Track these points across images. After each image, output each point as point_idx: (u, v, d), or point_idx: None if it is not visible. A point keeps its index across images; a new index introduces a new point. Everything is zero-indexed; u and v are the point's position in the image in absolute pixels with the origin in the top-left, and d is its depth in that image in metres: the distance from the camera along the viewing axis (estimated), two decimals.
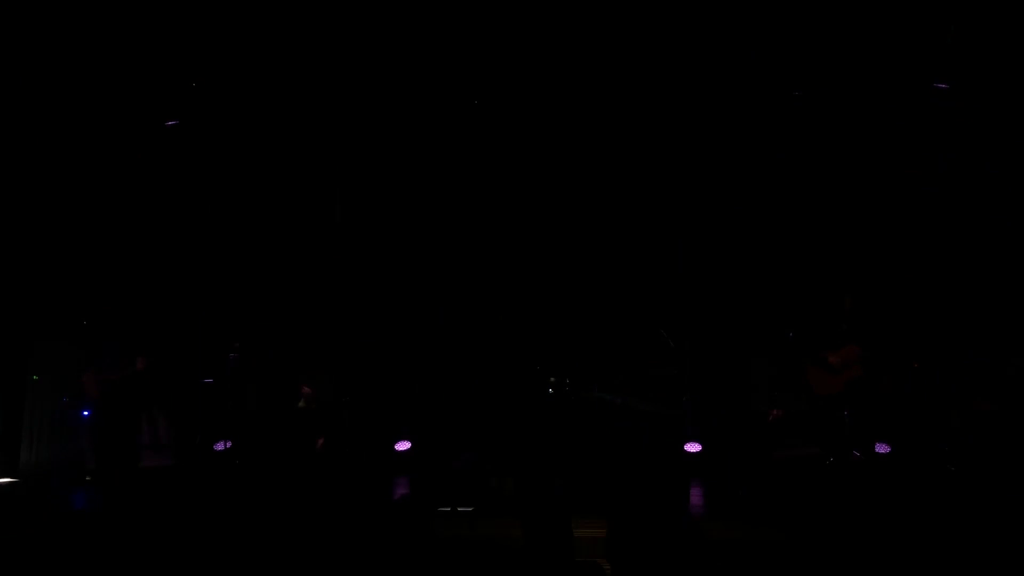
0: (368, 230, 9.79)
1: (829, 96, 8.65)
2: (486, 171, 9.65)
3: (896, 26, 7.86)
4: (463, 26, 8.24)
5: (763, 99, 8.77)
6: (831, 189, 9.21)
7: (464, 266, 9.72)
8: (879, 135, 8.88)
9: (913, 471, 8.40)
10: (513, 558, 5.75)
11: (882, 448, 8.60)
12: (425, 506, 7.34)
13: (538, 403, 9.56)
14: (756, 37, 8.12)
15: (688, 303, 9.44)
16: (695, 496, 8.28)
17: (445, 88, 9.11)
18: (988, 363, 8.50)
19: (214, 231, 9.60)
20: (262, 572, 5.64)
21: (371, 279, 9.77)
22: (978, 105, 8.37)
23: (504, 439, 9.43)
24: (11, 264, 9.16)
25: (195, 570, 5.69)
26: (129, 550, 6.05)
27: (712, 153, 9.31)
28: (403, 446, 9.54)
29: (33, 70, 8.37)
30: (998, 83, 8.18)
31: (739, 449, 9.20)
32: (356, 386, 9.80)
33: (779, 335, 8.73)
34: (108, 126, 9.07)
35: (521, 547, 5.37)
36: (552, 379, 9.65)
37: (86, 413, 9.06)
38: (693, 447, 9.20)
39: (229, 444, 9.04)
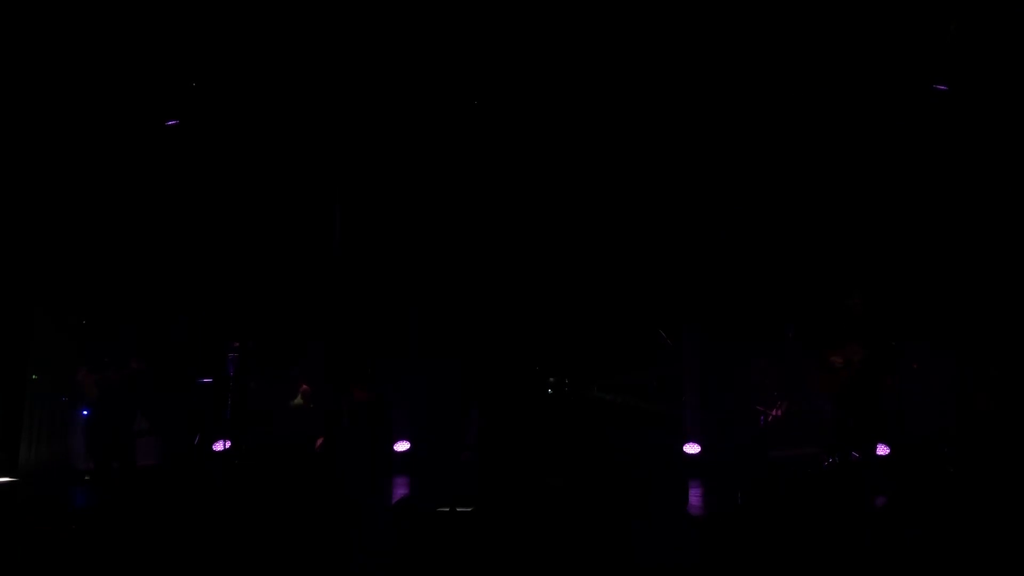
0: (368, 227, 9.78)
1: (828, 92, 8.67)
2: (485, 171, 9.65)
3: (898, 22, 7.90)
4: (462, 27, 8.26)
5: (766, 94, 8.78)
6: (836, 185, 9.19)
7: (463, 266, 9.73)
8: (882, 132, 8.88)
9: (912, 472, 8.41)
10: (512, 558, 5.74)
11: (881, 449, 8.60)
12: (424, 506, 7.34)
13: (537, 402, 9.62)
14: (757, 31, 8.14)
15: (688, 303, 9.44)
16: (694, 496, 8.30)
17: (445, 89, 9.14)
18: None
19: (214, 230, 9.60)
20: (261, 572, 5.64)
21: (372, 278, 9.77)
22: (977, 103, 8.39)
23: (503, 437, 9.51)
24: (10, 263, 9.16)
25: (194, 570, 5.69)
26: (128, 550, 6.04)
27: (712, 150, 9.30)
28: (402, 447, 9.54)
29: (33, 69, 8.38)
30: (997, 81, 8.20)
31: (738, 450, 9.20)
32: (356, 386, 9.81)
33: (779, 333, 8.73)
34: (109, 125, 9.07)
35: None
36: (551, 379, 9.70)
37: (85, 412, 9.06)
38: (692, 448, 9.20)
39: (228, 444, 9.04)
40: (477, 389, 9.74)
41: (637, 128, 9.31)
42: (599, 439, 9.62)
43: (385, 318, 9.76)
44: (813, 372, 8.23)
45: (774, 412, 9.23)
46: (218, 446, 9.13)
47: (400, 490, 8.72)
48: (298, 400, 9.61)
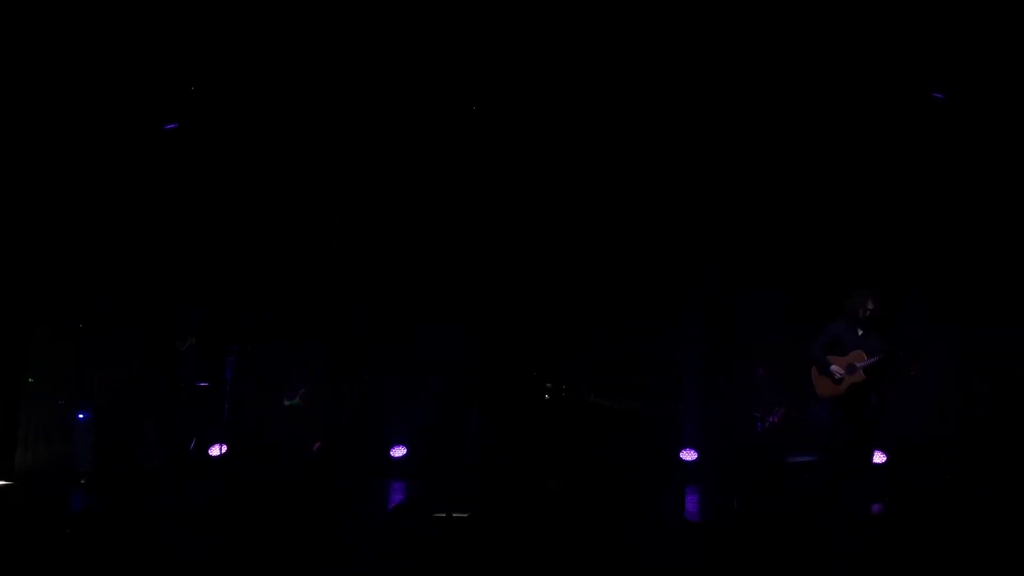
0: (368, 230, 9.79)
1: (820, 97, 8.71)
2: (485, 173, 9.66)
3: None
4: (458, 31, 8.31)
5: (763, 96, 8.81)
6: (838, 187, 9.18)
7: (461, 270, 9.73)
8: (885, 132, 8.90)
9: (910, 478, 8.41)
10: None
11: (878, 456, 8.61)
12: (421, 511, 7.33)
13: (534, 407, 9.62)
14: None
15: (683, 307, 9.44)
16: (690, 502, 8.31)
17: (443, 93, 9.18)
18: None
19: (213, 233, 9.59)
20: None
21: (369, 283, 9.77)
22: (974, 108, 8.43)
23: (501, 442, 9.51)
24: (7, 265, 9.15)
25: (190, 573, 5.68)
26: (123, 554, 6.04)
27: (712, 153, 9.31)
28: (399, 452, 9.53)
29: (27, 73, 8.40)
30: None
31: (735, 456, 9.19)
32: (354, 391, 9.81)
33: (780, 339, 8.71)
34: (108, 128, 9.09)
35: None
36: (549, 383, 9.69)
37: (81, 416, 9.06)
38: (689, 454, 9.20)
39: (225, 448, 9.03)
40: (475, 394, 9.74)
41: (634, 127, 9.33)
42: (596, 444, 9.62)
43: (382, 321, 9.76)
44: (814, 378, 8.20)
45: (771, 418, 9.23)
46: (214, 450, 9.12)
47: (397, 495, 8.72)
48: (295, 401, 9.60)
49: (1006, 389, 8.54)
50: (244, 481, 8.70)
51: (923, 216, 9.05)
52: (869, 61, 8.36)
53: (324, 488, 8.55)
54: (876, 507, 7.79)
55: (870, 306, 7.93)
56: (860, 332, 8.00)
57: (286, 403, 9.64)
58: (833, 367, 7.96)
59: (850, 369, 7.93)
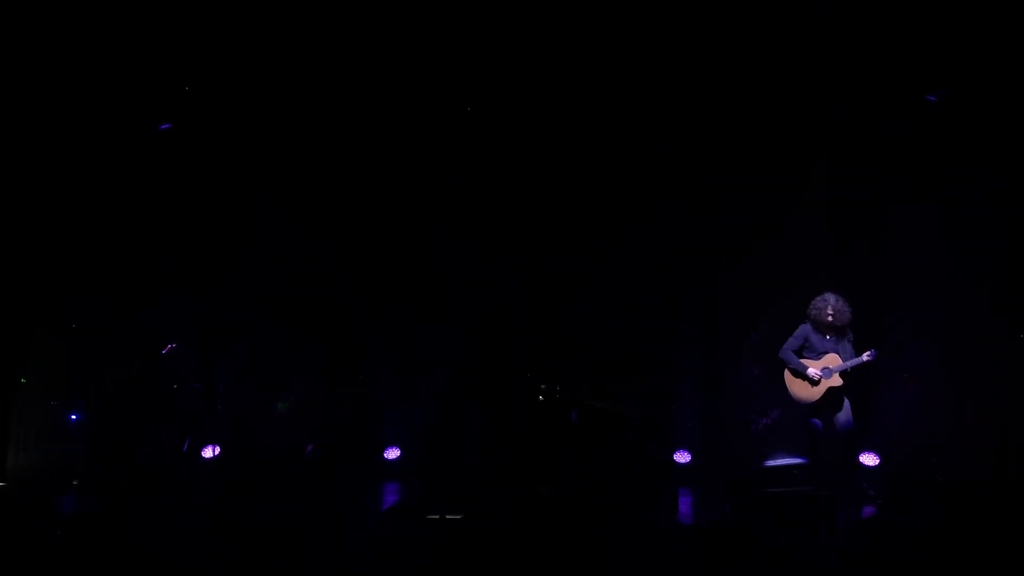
0: (361, 235, 9.78)
1: None
2: (481, 171, 9.67)
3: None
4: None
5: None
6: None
7: (456, 273, 9.73)
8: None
9: (901, 482, 8.42)
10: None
11: (870, 460, 8.62)
12: (414, 513, 7.32)
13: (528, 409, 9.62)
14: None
15: (677, 308, 9.44)
16: (684, 505, 8.31)
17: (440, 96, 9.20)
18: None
19: (207, 233, 9.58)
20: None
21: (364, 284, 9.76)
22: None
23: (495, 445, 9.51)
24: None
25: (178, 572, 5.68)
26: (116, 556, 6.02)
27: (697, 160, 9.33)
28: (393, 454, 9.52)
29: (26, 68, 8.41)
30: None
31: (728, 459, 9.20)
32: (347, 393, 9.81)
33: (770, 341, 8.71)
34: (104, 128, 9.08)
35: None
36: (543, 385, 9.69)
37: (74, 417, 9.05)
38: (683, 456, 9.20)
39: (218, 450, 9.02)
40: (469, 396, 9.74)
41: (630, 131, 9.36)
42: (589, 446, 9.62)
43: (376, 323, 9.76)
44: (788, 381, 8.22)
45: (765, 421, 9.24)
46: (207, 451, 9.11)
47: (391, 496, 8.71)
48: (285, 405, 9.60)
49: (998, 391, 8.54)
50: (237, 483, 8.68)
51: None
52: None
53: (317, 490, 8.54)
54: (868, 510, 7.81)
55: (829, 312, 7.97)
56: (828, 337, 8.05)
57: (279, 406, 9.64)
58: (810, 370, 7.99)
59: (826, 372, 7.96)
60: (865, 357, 7.90)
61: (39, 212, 9.18)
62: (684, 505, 8.35)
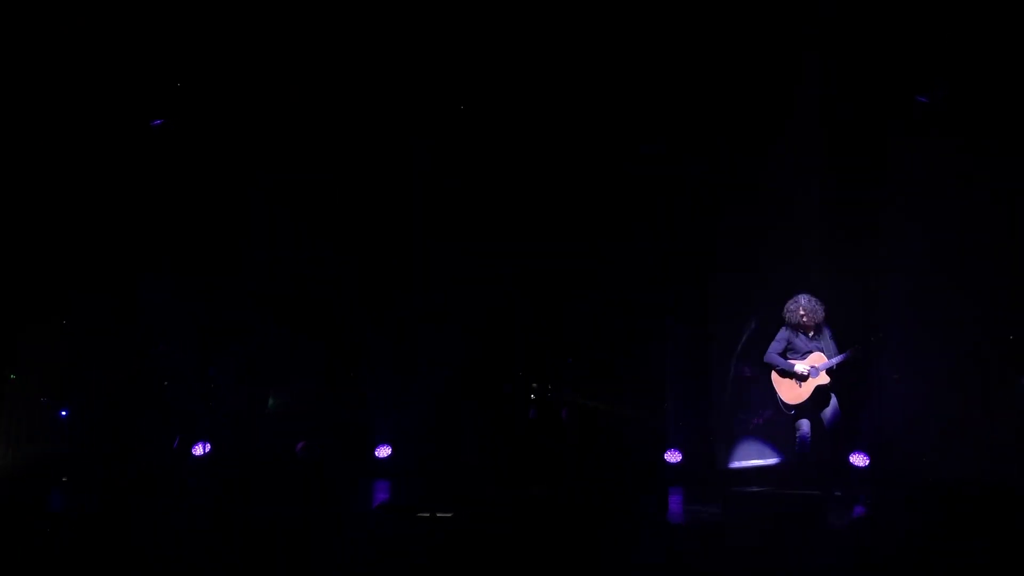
0: (359, 233, 9.77)
1: None
2: (476, 176, 9.67)
3: None
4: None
5: None
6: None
7: (450, 272, 9.73)
8: None
9: (891, 482, 8.44)
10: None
11: (860, 460, 8.63)
12: (404, 511, 7.32)
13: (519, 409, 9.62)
14: None
15: (668, 309, 9.45)
16: (674, 504, 8.31)
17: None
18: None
19: (202, 231, 9.55)
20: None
21: (360, 283, 9.75)
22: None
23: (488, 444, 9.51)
24: None
25: (171, 571, 5.66)
26: (104, 554, 6.00)
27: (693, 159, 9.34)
28: (384, 452, 9.52)
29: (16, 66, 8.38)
30: None
31: (718, 459, 9.21)
32: (337, 390, 9.80)
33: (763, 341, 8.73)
34: (99, 123, 9.05)
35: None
36: (534, 384, 9.70)
37: (64, 414, 9.02)
38: (674, 456, 9.21)
39: (208, 447, 9.00)
40: (461, 395, 9.74)
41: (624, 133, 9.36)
42: (581, 446, 9.63)
43: (370, 321, 9.75)
44: (775, 383, 8.24)
45: (757, 420, 9.26)
46: (197, 449, 9.09)
47: (380, 495, 8.70)
48: (274, 404, 9.59)
49: (988, 391, 8.56)
50: (228, 480, 8.67)
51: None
52: None
53: (307, 487, 8.53)
54: (859, 510, 7.82)
55: (801, 312, 8.04)
56: (809, 337, 8.11)
57: (269, 403, 9.62)
58: (797, 366, 8.04)
59: (813, 371, 8.01)
60: (849, 353, 7.95)
61: (32, 207, 9.15)
62: (674, 504, 8.36)
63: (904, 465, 8.63)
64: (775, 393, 8.22)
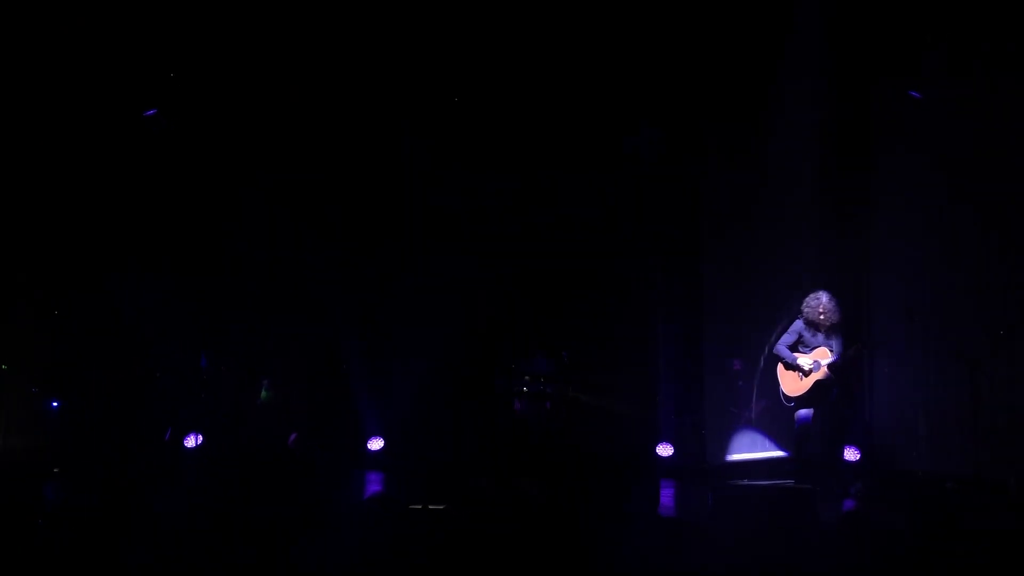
0: (348, 226, 9.76)
1: None
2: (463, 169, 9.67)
3: None
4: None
5: None
6: None
7: (444, 265, 9.73)
8: None
9: (882, 476, 8.47)
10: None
11: (851, 454, 8.66)
12: (397, 503, 7.31)
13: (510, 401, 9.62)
14: None
15: (659, 301, 9.46)
16: (666, 498, 8.33)
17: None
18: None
19: (192, 224, 9.54)
20: (231, 569, 5.61)
21: (342, 275, 9.74)
22: None
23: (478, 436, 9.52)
24: None
25: (164, 565, 5.65)
26: (96, 547, 5.99)
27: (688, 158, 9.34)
28: (376, 444, 9.51)
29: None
30: None
31: (710, 452, 9.23)
32: (329, 382, 9.79)
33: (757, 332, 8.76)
34: (91, 117, 9.03)
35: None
36: (527, 377, 9.70)
37: (55, 404, 9.00)
38: (666, 449, 9.22)
39: (200, 439, 9.00)
40: (454, 388, 9.74)
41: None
42: (573, 439, 9.63)
43: (362, 312, 9.74)
44: (780, 376, 8.29)
45: (748, 414, 9.28)
46: (189, 441, 9.08)
47: (372, 487, 8.71)
48: (266, 394, 9.58)
49: (979, 386, 8.57)
50: (219, 471, 8.67)
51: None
52: None
53: (300, 479, 8.53)
54: (849, 504, 7.85)
55: (821, 311, 8.09)
56: (819, 334, 8.16)
57: (261, 395, 9.62)
58: (801, 360, 8.12)
59: (815, 365, 8.07)
60: (852, 352, 8.04)
61: (22, 201, 9.13)
62: (665, 498, 8.38)
63: (894, 459, 8.67)
64: (778, 384, 8.28)
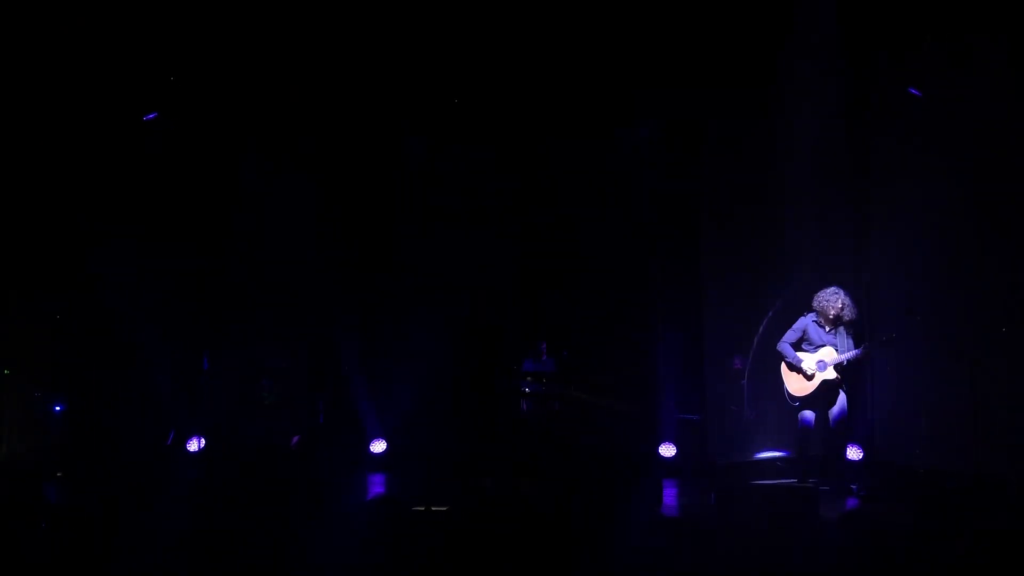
0: (349, 226, 9.77)
1: None
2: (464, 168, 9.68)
3: None
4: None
5: None
6: None
7: (443, 266, 9.73)
8: None
9: (884, 475, 8.47)
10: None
11: (854, 453, 8.66)
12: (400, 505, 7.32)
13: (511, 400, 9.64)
14: None
15: (663, 303, 9.47)
16: (668, 497, 8.34)
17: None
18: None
19: (191, 226, 9.54)
20: (234, 571, 5.62)
21: (342, 275, 9.75)
22: None
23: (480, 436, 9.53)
24: None
25: (166, 567, 5.66)
26: (99, 548, 6.00)
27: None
28: (379, 446, 9.51)
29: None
30: None
31: (712, 451, 9.23)
32: (330, 383, 9.80)
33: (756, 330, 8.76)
34: (89, 116, 9.03)
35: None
36: (528, 377, 9.71)
37: (58, 408, 9.01)
38: (668, 449, 9.23)
39: (203, 442, 9.00)
40: (454, 390, 9.75)
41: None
42: (575, 439, 9.65)
43: (363, 314, 9.75)
44: (784, 374, 8.26)
45: (749, 414, 9.28)
46: (192, 444, 9.09)
47: (376, 488, 8.71)
48: (268, 396, 9.59)
49: (981, 384, 8.58)
50: (222, 474, 8.67)
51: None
52: None
53: (303, 481, 8.53)
54: (852, 502, 7.86)
55: (840, 305, 7.97)
56: (828, 330, 8.07)
57: (265, 398, 9.62)
58: (804, 363, 8.02)
59: (821, 365, 7.99)
60: (860, 351, 7.93)
61: (23, 201, 9.12)
62: (669, 497, 8.38)
63: (895, 458, 8.68)
64: (782, 383, 8.21)
